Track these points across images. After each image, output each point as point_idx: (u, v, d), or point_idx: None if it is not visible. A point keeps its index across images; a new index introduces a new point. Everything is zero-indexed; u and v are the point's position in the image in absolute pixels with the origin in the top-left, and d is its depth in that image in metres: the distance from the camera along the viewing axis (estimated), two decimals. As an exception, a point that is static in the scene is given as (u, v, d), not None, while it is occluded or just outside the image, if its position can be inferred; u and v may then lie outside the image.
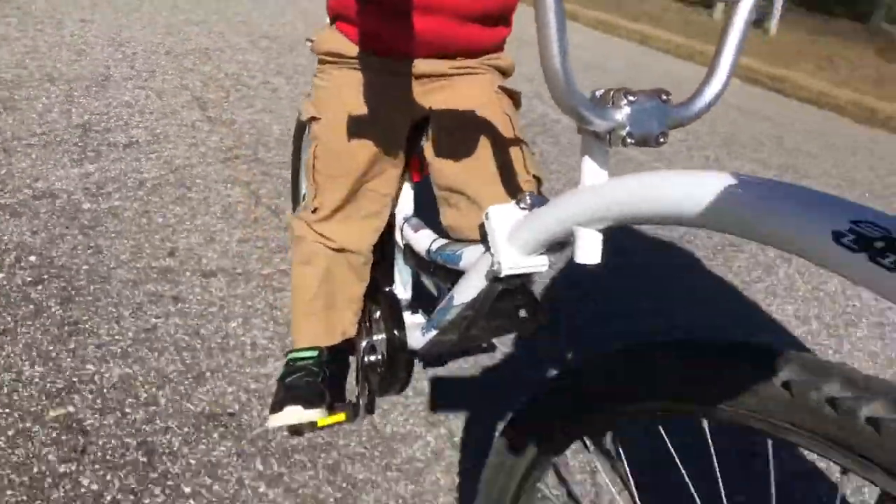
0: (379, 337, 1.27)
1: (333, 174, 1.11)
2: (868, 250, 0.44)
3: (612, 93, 0.66)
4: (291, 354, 1.27)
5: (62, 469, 1.19)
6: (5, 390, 1.32)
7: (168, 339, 1.54)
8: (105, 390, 1.37)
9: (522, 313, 0.97)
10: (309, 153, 1.13)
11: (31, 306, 1.58)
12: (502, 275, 0.86)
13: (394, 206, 1.23)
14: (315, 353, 1.25)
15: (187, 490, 1.20)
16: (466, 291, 0.99)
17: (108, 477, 1.19)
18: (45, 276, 1.70)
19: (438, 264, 1.09)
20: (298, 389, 1.19)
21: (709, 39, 7.33)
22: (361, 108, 1.05)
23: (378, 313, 1.28)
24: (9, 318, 1.53)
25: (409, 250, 1.22)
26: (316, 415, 1.18)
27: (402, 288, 1.33)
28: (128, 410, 1.33)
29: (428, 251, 1.12)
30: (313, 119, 1.12)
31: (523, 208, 0.87)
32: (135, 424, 1.30)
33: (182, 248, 1.92)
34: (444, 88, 1.08)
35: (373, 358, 1.28)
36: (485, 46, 1.09)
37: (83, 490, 1.16)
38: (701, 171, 0.57)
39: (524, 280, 0.92)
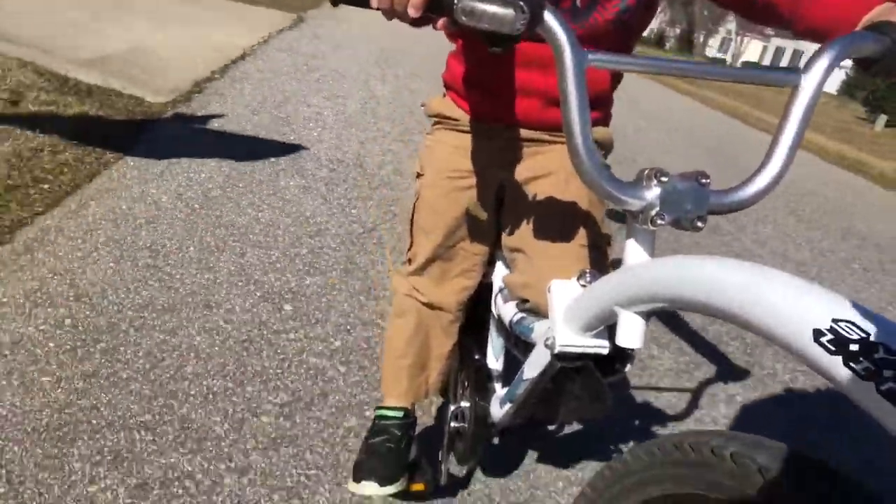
0: (465, 404, 1.29)
1: (428, 228, 1.17)
2: (844, 353, 0.40)
3: (645, 172, 0.65)
4: (379, 411, 1.31)
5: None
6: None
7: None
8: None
9: (584, 395, 0.94)
10: (410, 206, 1.22)
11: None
12: (556, 351, 0.85)
13: (488, 272, 1.26)
14: (401, 414, 1.26)
15: None
16: (533, 367, 0.98)
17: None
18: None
19: (518, 336, 1.09)
20: (378, 461, 1.21)
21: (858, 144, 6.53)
22: (459, 167, 1.14)
23: (467, 382, 1.30)
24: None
25: (499, 320, 1.24)
26: (392, 489, 1.20)
27: (494, 358, 1.33)
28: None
29: (510, 322, 1.13)
30: (418, 175, 1.21)
31: (583, 285, 0.86)
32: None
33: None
34: (535, 154, 1.13)
35: (458, 425, 1.30)
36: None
37: None
38: (698, 257, 0.55)
39: (587, 360, 0.90)
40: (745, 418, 2.04)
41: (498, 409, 1.18)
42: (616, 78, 1.15)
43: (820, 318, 0.42)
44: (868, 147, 8.76)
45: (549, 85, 1.03)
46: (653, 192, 0.65)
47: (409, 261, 1.22)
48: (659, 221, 0.64)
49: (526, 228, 1.11)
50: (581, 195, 1.09)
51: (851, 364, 0.38)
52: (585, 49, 0.64)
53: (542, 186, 1.10)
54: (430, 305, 1.22)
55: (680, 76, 0.64)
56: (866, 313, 0.41)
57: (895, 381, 0.35)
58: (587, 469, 1.60)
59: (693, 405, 2.07)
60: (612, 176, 0.65)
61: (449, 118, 1.18)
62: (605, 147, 1.18)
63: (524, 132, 1.12)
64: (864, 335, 0.39)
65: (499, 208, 1.19)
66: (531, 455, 1.59)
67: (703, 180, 0.65)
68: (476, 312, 1.30)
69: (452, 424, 1.31)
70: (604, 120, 1.18)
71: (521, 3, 0.59)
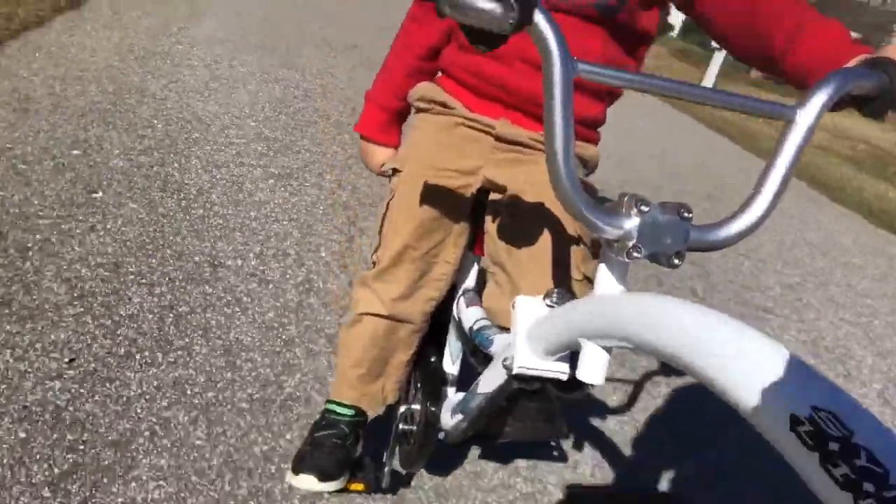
0: (416, 407, 1.24)
1: (400, 226, 1.09)
2: (821, 451, 0.35)
3: (626, 198, 0.61)
4: (329, 404, 1.24)
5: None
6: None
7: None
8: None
9: (539, 419, 0.91)
10: (383, 204, 1.12)
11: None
12: (514, 372, 0.81)
13: (454, 279, 1.19)
14: (352, 412, 1.22)
15: None
16: (489, 382, 0.93)
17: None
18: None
19: (477, 346, 1.05)
20: (321, 454, 1.18)
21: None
22: (445, 164, 1.06)
23: (420, 384, 1.25)
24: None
25: (459, 324, 1.18)
26: (331, 486, 1.17)
27: (451, 361, 1.28)
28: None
29: (470, 329, 1.08)
30: (394, 172, 1.13)
31: (549, 305, 0.82)
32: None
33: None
34: (519, 163, 1.05)
35: (406, 427, 1.25)
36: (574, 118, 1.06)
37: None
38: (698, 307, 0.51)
39: (544, 383, 0.86)
40: (684, 408, 2.04)
41: (449, 417, 1.13)
42: (612, 94, 1.09)
43: (800, 403, 0.37)
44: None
45: None
46: (631, 222, 0.60)
47: (374, 263, 1.13)
48: (635, 254, 0.60)
49: (510, 241, 1.04)
50: (570, 219, 1.01)
51: (829, 467, 0.34)
52: (573, 59, 0.58)
53: (533, 196, 1.02)
54: (392, 318, 1.14)
55: (674, 97, 0.59)
56: (852, 406, 0.36)
57: (877, 500, 0.31)
58: (536, 469, 1.57)
59: (635, 396, 2.07)
60: (590, 199, 0.60)
61: (433, 101, 1.10)
62: (590, 167, 1.12)
63: (522, 133, 1.05)
64: (846, 433, 0.35)
65: (479, 213, 1.13)
66: (476, 455, 1.56)
67: (686, 213, 0.60)
68: (435, 312, 1.26)
69: (401, 426, 1.26)
70: (595, 138, 1.12)
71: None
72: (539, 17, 0.56)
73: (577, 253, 1.01)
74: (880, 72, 0.66)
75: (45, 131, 2.59)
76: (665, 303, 0.54)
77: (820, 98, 0.61)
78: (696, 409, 2.01)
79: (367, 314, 1.14)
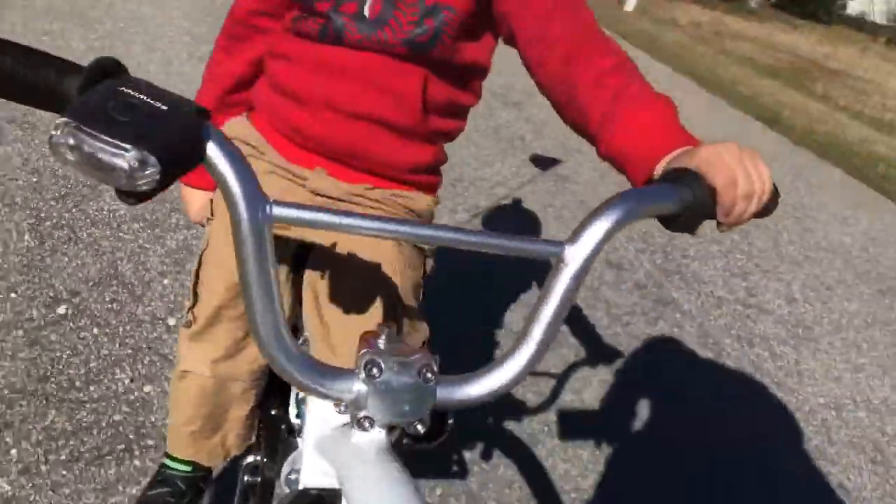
0: (257, 458, 1.15)
1: (213, 284, 0.98)
2: None
3: (363, 356, 0.50)
4: (165, 458, 1.13)
5: None
6: None
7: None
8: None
9: None
10: (195, 258, 1.01)
11: None
12: (297, 487, 0.72)
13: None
14: (189, 468, 1.12)
15: None
16: (288, 474, 0.85)
17: None
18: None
19: (298, 413, 0.96)
20: None
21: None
22: None
23: (261, 435, 1.15)
24: None
25: None
26: None
27: (295, 413, 1.13)
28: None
29: (297, 393, 0.99)
30: (209, 219, 1.01)
31: (339, 411, 0.72)
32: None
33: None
34: (349, 207, 0.94)
35: (251, 479, 1.15)
36: (396, 169, 0.94)
37: None
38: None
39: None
40: (612, 400, 2.06)
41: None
42: (447, 134, 0.97)
43: None
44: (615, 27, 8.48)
45: (368, 106, 0.87)
46: (359, 387, 0.50)
47: (190, 323, 1.01)
48: (366, 425, 0.50)
49: (326, 293, 0.94)
50: (399, 283, 0.92)
51: None
52: (266, 199, 0.46)
53: (352, 263, 0.92)
54: (217, 378, 1.02)
55: (409, 239, 0.49)
56: None
57: None
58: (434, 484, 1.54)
59: (559, 389, 2.05)
60: (309, 360, 0.50)
61: (246, 143, 0.96)
62: (423, 219, 1.01)
63: (339, 185, 0.93)
64: None
65: (301, 264, 1.01)
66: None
67: (428, 374, 0.50)
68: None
69: (245, 478, 1.16)
70: (427, 182, 0.99)
71: (151, 147, 0.38)
72: (213, 151, 0.44)
73: (405, 324, 0.92)
74: (682, 186, 0.56)
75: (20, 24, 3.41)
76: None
77: (595, 233, 0.51)
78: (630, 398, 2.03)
79: (191, 372, 1.03)
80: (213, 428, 1.09)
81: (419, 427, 0.51)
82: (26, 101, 0.46)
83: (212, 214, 1.00)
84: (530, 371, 0.53)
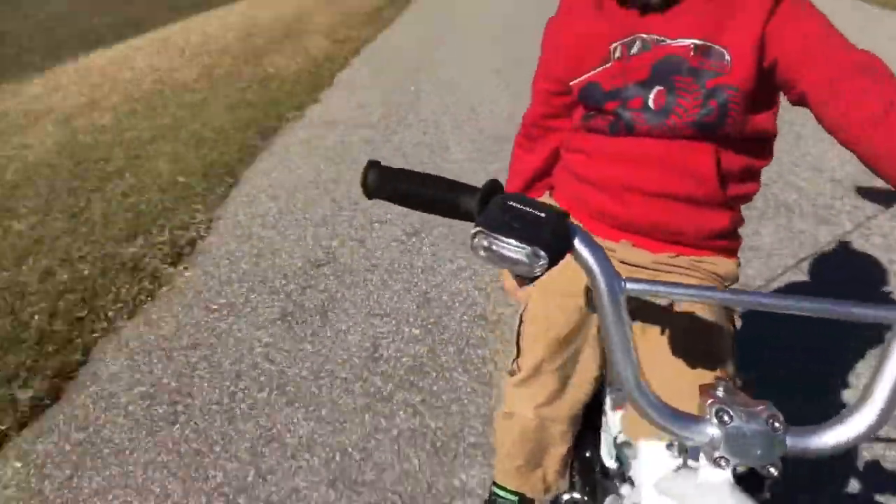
0: (577, 496, 1.25)
1: (534, 344, 1.10)
2: None
3: (708, 403, 0.59)
4: (495, 487, 1.27)
5: None
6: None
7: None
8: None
9: None
10: (517, 316, 1.15)
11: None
12: (637, 536, 0.80)
13: (604, 377, 1.17)
14: (515, 499, 1.24)
15: None
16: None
17: None
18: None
19: (618, 457, 1.04)
20: None
21: None
22: (569, 286, 1.05)
23: (577, 475, 1.26)
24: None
25: (607, 423, 1.17)
26: None
27: (609, 455, 1.25)
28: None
29: (615, 438, 1.08)
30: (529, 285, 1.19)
31: (673, 456, 0.79)
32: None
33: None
34: (657, 275, 1.02)
35: None
36: (697, 237, 1.01)
37: None
38: None
39: None
40: None
41: (602, 514, 1.14)
42: (739, 198, 1.01)
43: None
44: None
45: (666, 186, 0.96)
46: (715, 431, 0.58)
47: (514, 372, 1.15)
48: (722, 464, 0.58)
49: (644, 349, 1.03)
50: (709, 317, 0.96)
51: None
52: (620, 276, 0.58)
53: (663, 319, 0.98)
54: (540, 419, 1.14)
55: (746, 307, 0.56)
56: None
57: None
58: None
59: None
60: (670, 409, 0.60)
61: None
62: (728, 283, 1.05)
63: (646, 255, 1.02)
64: None
65: None
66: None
67: (776, 423, 0.57)
68: (593, 404, 1.26)
69: None
70: (730, 247, 1.05)
71: (540, 244, 0.53)
72: (578, 244, 0.58)
73: (716, 351, 0.96)
74: None
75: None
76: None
77: None
78: None
79: (515, 413, 1.18)
80: (535, 464, 1.23)
81: (772, 470, 0.57)
82: (442, 213, 0.67)
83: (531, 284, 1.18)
84: (879, 429, 0.56)
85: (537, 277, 0.58)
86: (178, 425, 1.89)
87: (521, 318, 1.16)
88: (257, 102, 4.59)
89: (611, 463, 1.27)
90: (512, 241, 0.55)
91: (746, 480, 0.82)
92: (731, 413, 0.57)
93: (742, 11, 0.88)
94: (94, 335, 2.27)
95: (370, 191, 0.69)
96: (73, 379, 2.08)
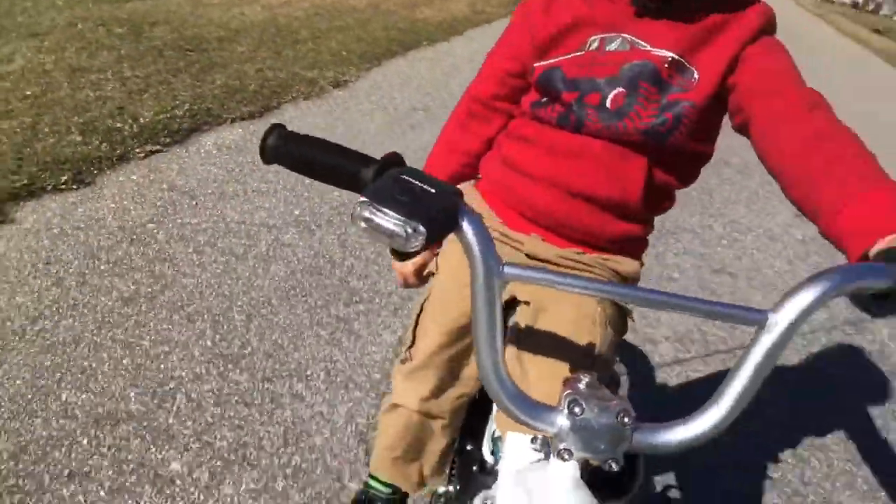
0: (451, 490, 1.16)
1: (432, 328, 0.98)
2: None
3: (565, 394, 0.57)
4: (369, 478, 1.14)
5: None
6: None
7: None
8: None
9: None
10: (417, 304, 1.01)
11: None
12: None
13: None
14: (389, 490, 1.11)
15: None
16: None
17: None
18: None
19: (493, 450, 1.03)
20: None
21: None
22: (467, 276, 1.03)
23: (454, 468, 1.07)
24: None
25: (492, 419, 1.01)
26: None
27: (489, 451, 1.08)
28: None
29: (493, 432, 1.07)
30: (432, 274, 1.01)
31: (535, 449, 0.78)
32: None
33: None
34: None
35: None
36: (607, 240, 0.91)
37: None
38: None
39: None
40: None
41: None
42: (661, 186, 0.90)
43: None
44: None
45: (592, 188, 0.87)
46: (562, 421, 0.54)
47: (405, 360, 1.03)
48: (565, 456, 0.56)
49: (528, 341, 0.92)
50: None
51: None
52: (500, 260, 0.50)
53: (557, 303, 0.90)
54: (422, 413, 1.02)
55: (623, 300, 0.55)
56: None
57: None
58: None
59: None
60: (523, 396, 0.54)
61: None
62: (629, 282, 0.95)
63: (552, 250, 0.92)
64: None
65: (505, 318, 0.96)
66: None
67: (625, 419, 0.52)
68: (476, 397, 1.18)
69: None
70: (633, 250, 0.95)
71: (421, 219, 0.47)
72: (465, 224, 0.50)
73: (594, 347, 0.90)
74: None
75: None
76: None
77: (799, 302, 0.47)
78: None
79: (401, 405, 1.03)
80: (412, 458, 1.04)
81: (613, 465, 0.52)
82: (335, 183, 0.56)
83: (436, 271, 1.01)
84: (722, 429, 0.54)
85: (415, 254, 0.55)
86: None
87: (420, 307, 0.99)
88: (406, 30, 6.10)
89: (489, 457, 1.26)
90: (392, 213, 0.46)
91: (612, 485, 0.82)
92: (584, 405, 0.51)
93: (722, 35, 0.78)
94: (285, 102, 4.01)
95: (268, 155, 0.57)
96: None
